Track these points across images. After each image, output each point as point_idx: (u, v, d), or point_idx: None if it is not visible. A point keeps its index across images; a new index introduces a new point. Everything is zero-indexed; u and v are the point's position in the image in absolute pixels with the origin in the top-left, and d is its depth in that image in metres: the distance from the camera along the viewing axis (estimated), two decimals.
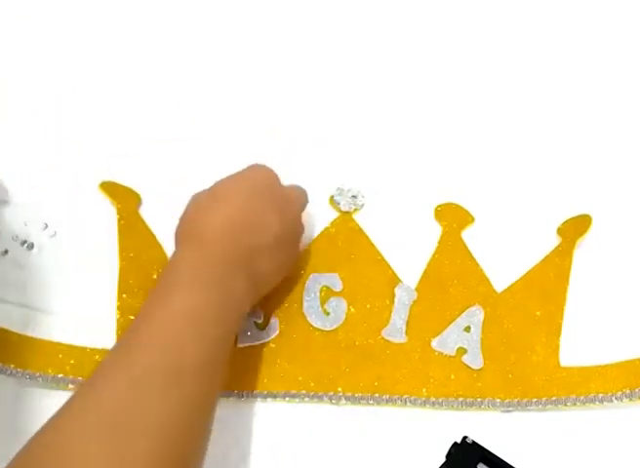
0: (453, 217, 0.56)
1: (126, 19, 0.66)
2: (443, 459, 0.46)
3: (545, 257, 0.54)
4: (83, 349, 0.49)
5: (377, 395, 0.48)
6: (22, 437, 0.35)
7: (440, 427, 0.47)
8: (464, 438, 0.46)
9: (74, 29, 0.65)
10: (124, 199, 0.55)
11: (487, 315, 0.51)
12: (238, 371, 0.48)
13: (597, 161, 0.60)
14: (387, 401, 0.48)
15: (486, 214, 0.56)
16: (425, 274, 0.53)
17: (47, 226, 0.54)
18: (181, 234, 0.46)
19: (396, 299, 0.52)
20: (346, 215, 0.56)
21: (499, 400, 0.48)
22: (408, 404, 0.48)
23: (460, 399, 0.48)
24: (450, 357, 0.50)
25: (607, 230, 0.56)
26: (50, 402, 0.45)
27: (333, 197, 0.56)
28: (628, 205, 0.58)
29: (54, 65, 0.63)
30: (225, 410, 0.46)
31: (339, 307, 0.51)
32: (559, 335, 0.51)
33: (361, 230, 0.55)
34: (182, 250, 0.44)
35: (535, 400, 0.48)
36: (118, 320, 0.50)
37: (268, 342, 0.50)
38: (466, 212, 0.56)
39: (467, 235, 0.55)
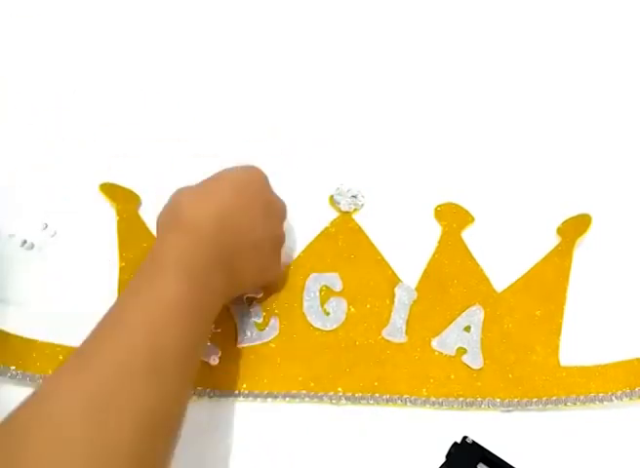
0: (453, 217, 0.56)
1: (126, 19, 0.66)
2: (443, 459, 0.46)
3: (545, 257, 0.54)
4: None
5: (377, 395, 0.48)
6: None
7: (440, 427, 0.47)
8: (464, 438, 0.46)
9: (74, 29, 0.65)
10: (124, 200, 0.55)
11: (487, 315, 0.51)
12: (238, 371, 0.48)
13: (597, 161, 0.60)
14: (387, 401, 0.48)
15: (486, 214, 0.56)
16: (425, 274, 0.53)
17: (47, 226, 0.54)
18: (166, 223, 0.45)
19: (396, 299, 0.52)
20: (346, 215, 0.56)
21: (499, 400, 0.48)
22: (408, 404, 0.48)
23: (460, 399, 0.48)
24: (450, 357, 0.50)
25: (607, 230, 0.56)
26: None
27: (333, 197, 0.57)
28: (628, 205, 0.58)
29: (54, 65, 0.63)
30: (226, 411, 0.46)
31: (339, 307, 0.51)
32: (559, 335, 0.51)
33: (361, 230, 0.55)
34: (169, 237, 0.44)
35: (535, 400, 0.48)
36: None
37: (268, 342, 0.50)
38: (466, 212, 0.56)
39: (467, 235, 0.55)
